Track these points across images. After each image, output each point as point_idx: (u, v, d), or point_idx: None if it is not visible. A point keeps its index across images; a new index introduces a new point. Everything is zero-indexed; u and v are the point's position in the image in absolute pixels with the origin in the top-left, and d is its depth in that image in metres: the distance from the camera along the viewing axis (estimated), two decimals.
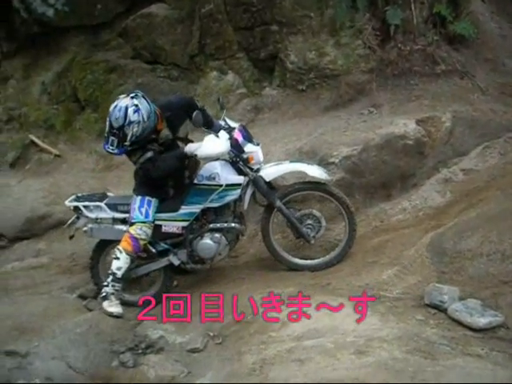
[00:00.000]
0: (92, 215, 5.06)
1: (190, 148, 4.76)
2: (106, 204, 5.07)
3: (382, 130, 5.99)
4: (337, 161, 5.76)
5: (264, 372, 3.60)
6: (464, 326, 3.89)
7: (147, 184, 4.93)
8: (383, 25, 6.84)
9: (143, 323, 4.59)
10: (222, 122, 5.15)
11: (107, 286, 4.85)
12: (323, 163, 5.74)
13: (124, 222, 5.05)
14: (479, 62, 7.14)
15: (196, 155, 4.75)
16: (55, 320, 4.67)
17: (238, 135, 4.98)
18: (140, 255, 5.00)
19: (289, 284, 4.75)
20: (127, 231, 4.87)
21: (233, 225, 5.04)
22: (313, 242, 5.16)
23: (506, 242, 4.37)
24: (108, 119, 4.71)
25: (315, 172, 5.03)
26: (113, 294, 4.83)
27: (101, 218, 5.07)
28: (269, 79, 7.16)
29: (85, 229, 5.12)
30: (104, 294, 4.84)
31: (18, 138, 7.52)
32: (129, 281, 5.12)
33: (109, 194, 5.35)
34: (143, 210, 4.87)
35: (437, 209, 5.69)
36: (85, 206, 5.08)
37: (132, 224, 4.87)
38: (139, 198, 4.91)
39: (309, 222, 5.13)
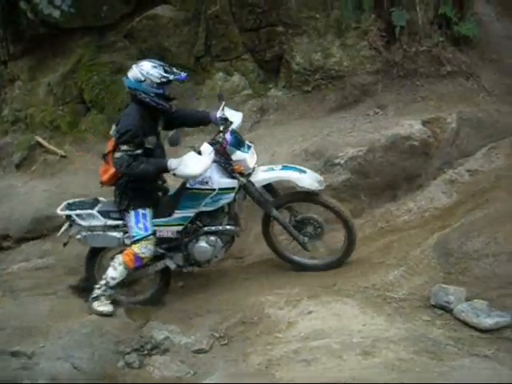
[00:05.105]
0: (85, 223, 5.01)
1: (171, 163, 4.62)
2: (98, 211, 5.01)
3: (388, 131, 5.98)
4: (342, 162, 5.76)
5: (270, 373, 3.59)
6: (470, 326, 3.90)
7: (137, 195, 4.85)
8: (389, 26, 6.83)
9: (149, 324, 4.59)
10: (219, 114, 4.97)
11: (99, 288, 4.86)
12: (329, 164, 5.74)
13: (117, 228, 5.01)
14: (485, 63, 7.12)
15: (174, 173, 4.64)
16: (61, 321, 4.67)
17: (225, 143, 4.82)
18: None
19: (295, 285, 4.75)
20: (131, 248, 4.83)
21: (228, 227, 5.01)
22: (310, 249, 5.14)
23: None
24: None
25: (306, 182, 4.89)
26: (103, 295, 4.84)
27: (94, 226, 5.01)
28: (274, 80, 7.15)
29: (78, 237, 5.07)
30: (95, 295, 4.85)
31: (24, 139, 7.54)
32: (124, 283, 5.11)
33: (100, 198, 5.24)
34: (141, 225, 4.83)
35: (443, 209, 5.70)
36: (77, 215, 5.02)
37: (135, 242, 4.83)
38: (132, 213, 4.84)
39: (308, 228, 5.09)
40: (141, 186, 4.84)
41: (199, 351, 4.18)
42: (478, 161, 6.06)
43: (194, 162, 4.60)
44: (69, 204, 5.16)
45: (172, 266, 5.09)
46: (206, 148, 4.69)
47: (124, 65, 7.42)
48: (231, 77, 7.11)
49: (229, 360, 3.98)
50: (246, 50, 7.19)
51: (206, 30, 7.14)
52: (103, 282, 4.87)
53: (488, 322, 3.84)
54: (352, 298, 4.35)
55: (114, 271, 4.84)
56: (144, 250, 4.81)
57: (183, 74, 4.82)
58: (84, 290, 5.31)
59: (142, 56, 7.42)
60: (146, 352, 4.26)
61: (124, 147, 4.59)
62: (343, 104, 6.75)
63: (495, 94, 6.79)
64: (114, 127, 4.84)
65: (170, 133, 4.82)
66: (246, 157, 4.90)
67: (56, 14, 7.45)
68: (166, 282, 5.24)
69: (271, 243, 5.22)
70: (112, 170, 4.87)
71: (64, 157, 7.29)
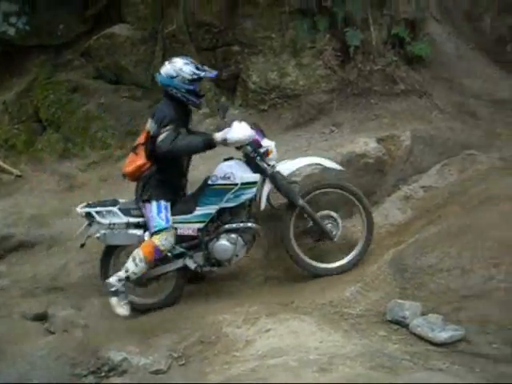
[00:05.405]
0: (105, 221, 4.96)
1: (217, 136, 4.75)
2: (118, 209, 4.99)
3: (343, 149, 6.04)
4: (299, 179, 5.79)
5: None
6: (426, 340, 3.94)
7: (161, 186, 4.86)
8: (343, 46, 6.93)
9: (106, 345, 4.53)
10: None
11: (119, 281, 4.80)
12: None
13: (138, 226, 4.98)
14: (437, 82, 7.28)
15: (226, 140, 4.74)
16: (16, 344, 4.59)
17: (254, 130, 4.97)
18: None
19: (253, 303, 4.75)
20: (150, 240, 4.79)
21: (249, 224, 5.01)
22: (336, 239, 5.18)
23: (465, 258, 4.43)
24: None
25: (331, 164, 5.21)
26: (123, 292, 4.81)
27: (114, 224, 4.97)
28: (231, 99, 7.19)
29: (97, 235, 5.00)
30: (115, 289, 4.80)
31: None
32: (139, 283, 5.07)
33: (120, 200, 5.17)
34: (163, 216, 4.80)
35: (398, 226, 5.75)
36: (97, 212, 4.97)
37: (155, 233, 4.79)
38: (154, 203, 4.82)
39: (328, 221, 5.17)
40: (167, 178, 4.88)
41: (157, 372, 4.13)
42: (431, 177, 6.15)
43: (241, 128, 4.82)
44: (89, 204, 5.10)
45: (192, 265, 5.04)
46: (246, 123, 4.94)
47: (80, 83, 7.43)
48: None
49: (187, 380, 3.95)
50: None
51: (163, 49, 7.17)
52: (124, 275, 4.80)
53: (443, 335, 3.90)
54: (309, 315, 4.37)
55: (136, 267, 4.78)
56: (164, 241, 4.77)
57: (214, 72, 5.04)
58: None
59: (99, 75, 7.43)
60: (103, 374, 4.19)
61: (165, 128, 4.67)
62: (299, 122, 6.81)
63: (447, 112, 6.93)
64: (149, 121, 4.90)
65: (219, 105, 5.17)
66: (273, 143, 5.08)
67: (11, 31, 7.43)
68: (181, 283, 5.19)
69: (288, 243, 5.17)
70: (139, 161, 4.91)
71: (20, 176, 7.19)
